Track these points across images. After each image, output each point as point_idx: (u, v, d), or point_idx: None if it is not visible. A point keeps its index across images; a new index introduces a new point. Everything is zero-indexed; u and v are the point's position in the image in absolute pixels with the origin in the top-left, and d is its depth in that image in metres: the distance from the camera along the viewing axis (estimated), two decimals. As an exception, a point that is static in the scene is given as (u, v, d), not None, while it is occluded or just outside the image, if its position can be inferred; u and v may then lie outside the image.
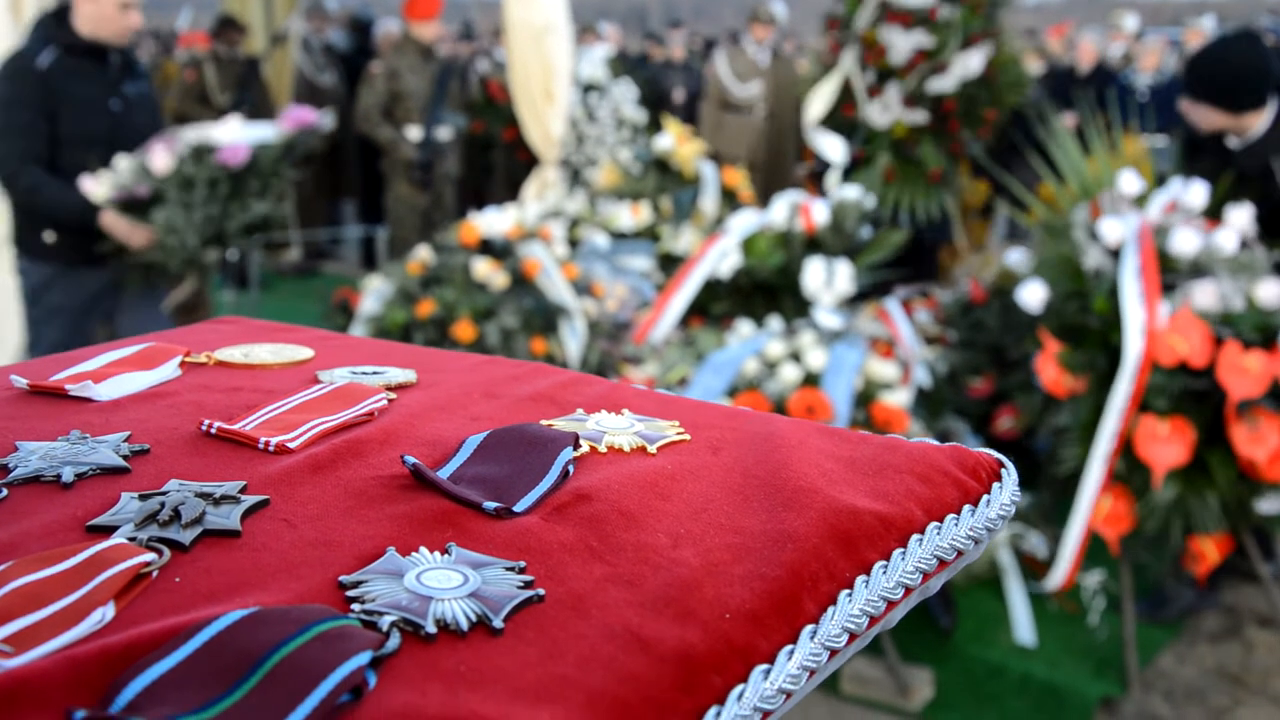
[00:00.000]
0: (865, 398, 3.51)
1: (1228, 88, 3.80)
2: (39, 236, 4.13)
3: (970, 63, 6.25)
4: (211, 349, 1.15)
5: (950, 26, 6.31)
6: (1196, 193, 3.63)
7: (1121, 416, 3.32)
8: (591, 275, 4.67)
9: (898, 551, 0.78)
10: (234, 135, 4.21)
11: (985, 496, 0.87)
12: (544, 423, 0.93)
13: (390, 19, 10.69)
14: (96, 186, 4.01)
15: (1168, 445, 3.27)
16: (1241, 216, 3.54)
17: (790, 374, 3.45)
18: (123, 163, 4.07)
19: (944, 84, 6.31)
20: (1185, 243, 3.45)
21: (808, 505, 0.78)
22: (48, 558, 0.66)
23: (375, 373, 1.06)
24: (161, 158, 4.04)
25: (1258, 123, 3.82)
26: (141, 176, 4.05)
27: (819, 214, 4.63)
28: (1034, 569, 4.01)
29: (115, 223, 4.06)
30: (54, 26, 4.04)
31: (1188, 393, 3.31)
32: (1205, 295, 3.35)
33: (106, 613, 0.63)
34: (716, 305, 4.64)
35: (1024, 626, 3.74)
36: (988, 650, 3.68)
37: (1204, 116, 3.89)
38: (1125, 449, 3.37)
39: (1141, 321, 3.34)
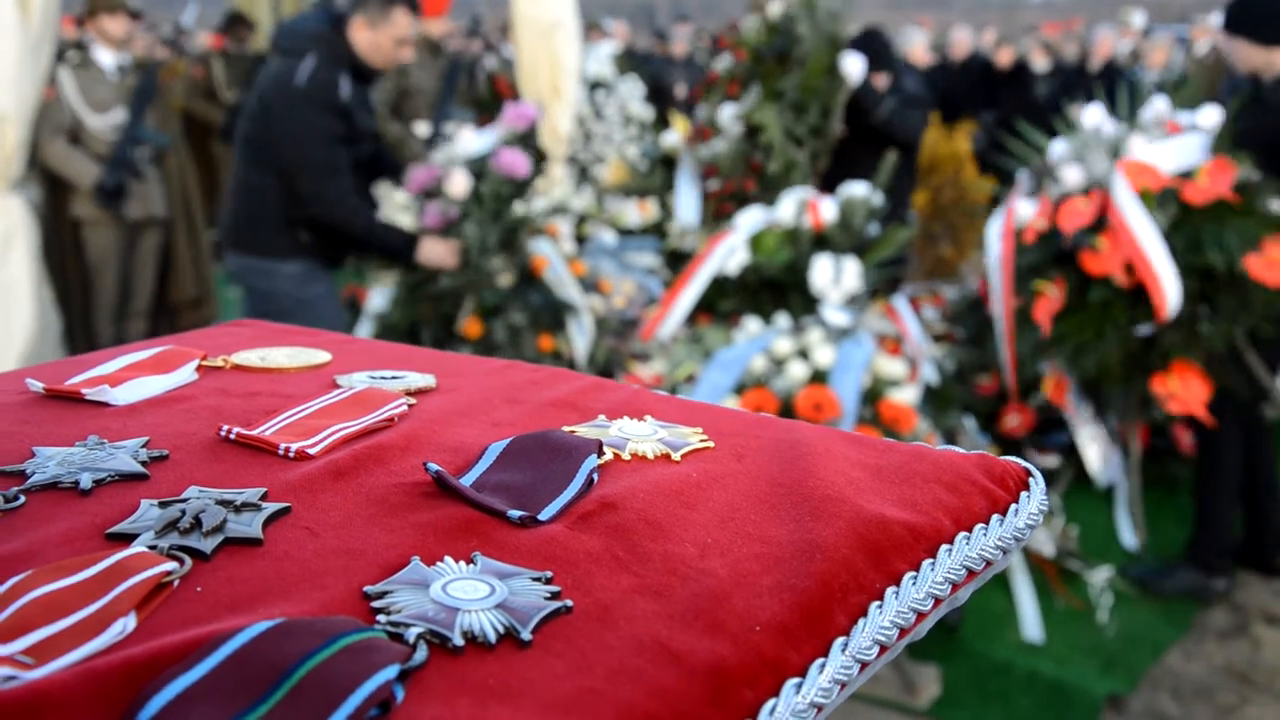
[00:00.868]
0: (873, 395, 3.50)
1: (1261, 19, 3.89)
2: (293, 237, 4.02)
3: (723, 118, 5.54)
4: (228, 352, 1.14)
5: (715, 87, 5.61)
6: (1092, 113, 4.13)
7: (1001, 293, 4.17)
8: (599, 272, 4.66)
9: (927, 562, 0.77)
10: (471, 144, 4.18)
11: (1014, 506, 0.86)
12: (566, 429, 0.92)
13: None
14: (405, 216, 4.02)
15: (1052, 298, 3.98)
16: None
17: (798, 371, 3.44)
18: (397, 196, 4.07)
19: (710, 150, 5.59)
20: (1055, 150, 4.15)
21: (836, 514, 0.77)
22: (67, 566, 0.65)
23: (394, 377, 1.05)
24: (459, 182, 4.01)
25: None
26: (447, 203, 4.03)
27: (827, 211, 4.61)
28: (1042, 568, 4.00)
29: (433, 248, 4.02)
30: (339, 47, 3.91)
31: (1061, 255, 3.96)
32: (1072, 176, 3.97)
33: (128, 623, 0.62)
34: (724, 302, 4.62)
35: (1031, 624, 3.73)
36: (995, 647, 3.67)
37: (1241, 54, 3.99)
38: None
39: (999, 227, 4.22)
